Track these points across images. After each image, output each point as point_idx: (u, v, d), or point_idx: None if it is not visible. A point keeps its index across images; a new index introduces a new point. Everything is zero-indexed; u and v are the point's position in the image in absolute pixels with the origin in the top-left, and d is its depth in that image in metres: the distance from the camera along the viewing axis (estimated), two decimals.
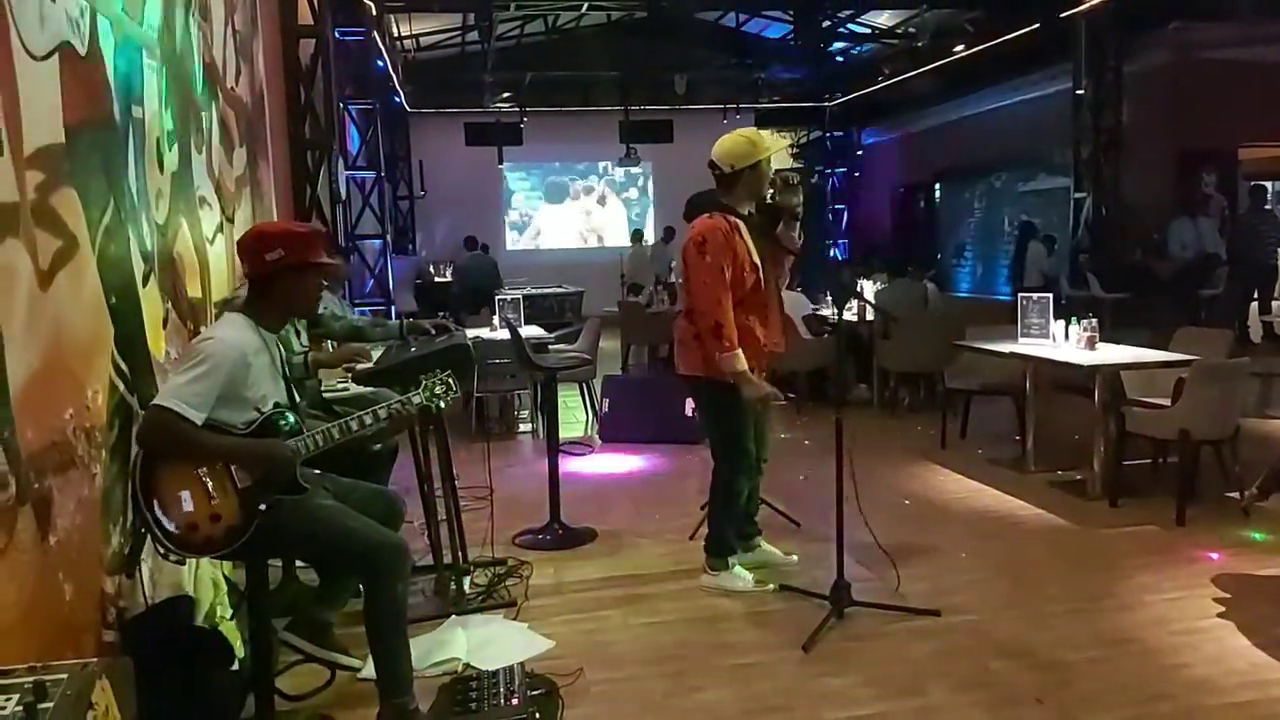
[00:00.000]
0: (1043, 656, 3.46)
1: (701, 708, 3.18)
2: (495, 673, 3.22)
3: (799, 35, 15.08)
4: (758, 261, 4.06)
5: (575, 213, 19.41)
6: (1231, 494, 5.06)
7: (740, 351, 3.92)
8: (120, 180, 3.12)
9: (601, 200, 19.46)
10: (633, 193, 19.43)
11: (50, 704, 1.38)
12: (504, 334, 7.04)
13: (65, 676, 1.45)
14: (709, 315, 3.92)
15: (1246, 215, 10.97)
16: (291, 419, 2.91)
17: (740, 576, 4.20)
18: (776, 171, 4.16)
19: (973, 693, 3.21)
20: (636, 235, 16.11)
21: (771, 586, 4.16)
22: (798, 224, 4.19)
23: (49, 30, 2.55)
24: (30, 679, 1.43)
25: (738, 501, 4.29)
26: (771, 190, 4.12)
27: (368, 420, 3.01)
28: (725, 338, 3.90)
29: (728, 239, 3.97)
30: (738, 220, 4.04)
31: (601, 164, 18.97)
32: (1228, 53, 11.38)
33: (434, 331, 4.24)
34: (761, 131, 4.10)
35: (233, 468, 2.74)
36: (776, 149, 4.19)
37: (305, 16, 8.42)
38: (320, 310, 4.06)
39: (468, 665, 3.40)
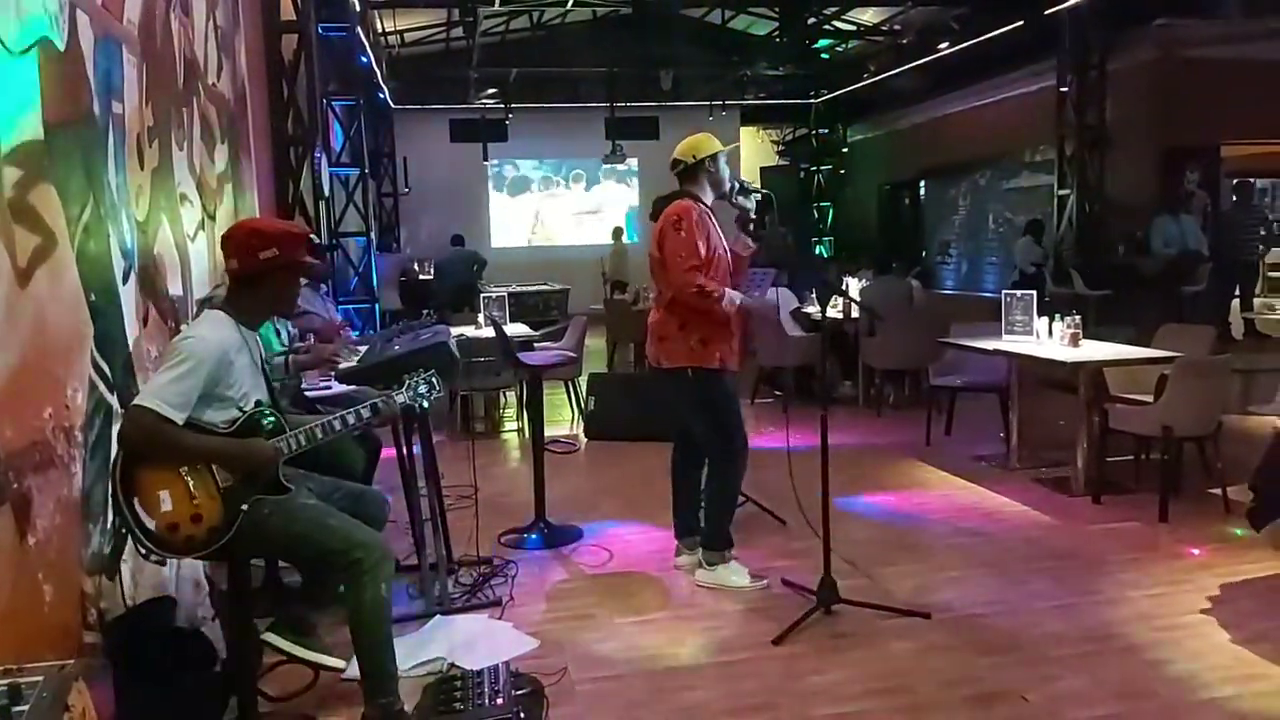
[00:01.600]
0: (1027, 653, 3.48)
1: (687, 706, 3.17)
2: (480, 672, 3.20)
3: (784, 32, 15.08)
4: (727, 248, 4.20)
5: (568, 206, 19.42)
6: (1214, 490, 5.09)
7: (729, 291, 4.05)
8: (100, 177, 3.09)
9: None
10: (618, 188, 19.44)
11: (25, 707, 1.36)
12: (489, 331, 7.02)
13: (41, 679, 1.43)
14: (689, 285, 3.99)
15: (1229, 212, 11.04)
16: (274, 418, 2.89)
17: (736, 572, 4.20)
18: (735, 178, 4.31)
19: (959, 689, 3.22)
20: (617, 233, 16.09)
21: (765, 582, 4.16)
22: (750, 229, 4.29)
23: (27, 25, 2.53)
24: (5, 681, 1.42)
25: (737, 491, 4.35)
26: (729, 195, 4.25)
27: (350, 419, 2.99)
28: (712, 291, 4.00)
29: (702, 219, 4.11)
30: (707, 208, 4.17)
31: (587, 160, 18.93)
32: (1211, 50, 11.43)
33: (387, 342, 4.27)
34: None
35: (214, 467, 2.72)
36: (729, 148, 4.39)
37: (288, 12, 8.37)
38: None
39: (452, 665, 3.38)
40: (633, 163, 18.28)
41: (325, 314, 5.20)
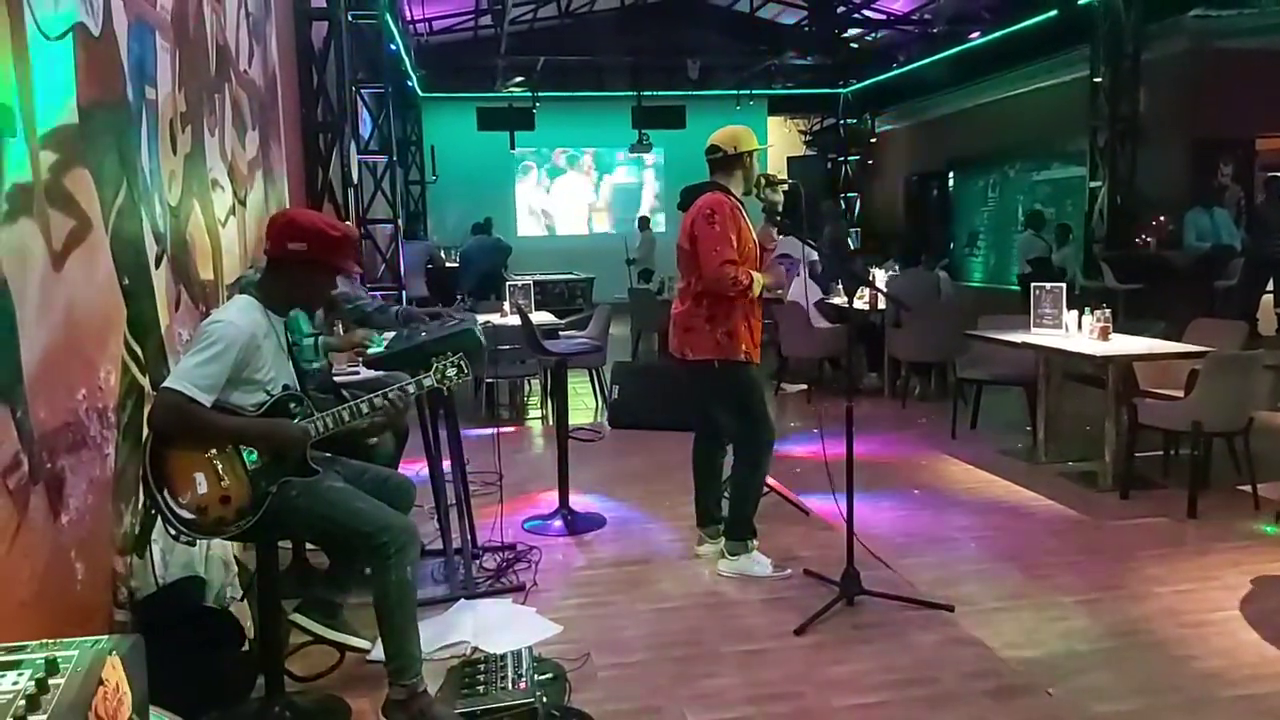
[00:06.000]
0: (1052, 647, 3.46)
1: (709, 693, 3.18)
2: (503, 656, 3.23)
3: (813, 21, 14.99)
4: (757, 242, 4.19)
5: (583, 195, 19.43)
6: (1244, 486, 5.03)
7: (754, 274, 4.06)
8: (133, 161, 3.13)
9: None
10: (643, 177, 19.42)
11: (61, 680, 1.38)
12: (514, 320, 7.04)
13: (76, 653, 1.46)
14: (725, 279, 3.99)
15: (1263, 206, 10.88)
16: (301, 401, 2.91)
17: (759, 561, 4.21)
18: (761, 174, 4.29)
19: (981, 682, 3.20)
20: (644, 222, 16.08)
21: (788, 572, 4.17)
22: (777, 221, 4.27)
23: (63, 10, 2.55)
24: (41, 655, 1.44)
25: (764, 481, 4.35)
26: (756, 189, 4.23)
27: (377, 402, 3.01)
28: (742, 281, 3.99)
29: (734, 211, 4.10)
30: (738, 202, 4.16)
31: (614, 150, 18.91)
32: (1246, 41, 11.27)
33: (427, 319, 4.25)
34: None
35: (243, 450, 2.75)
36: (765, 147, 4.35)
37: None
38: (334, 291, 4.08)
39: (476, 649, 3.40)
40: (658, 152, 18.21)
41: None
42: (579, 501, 5.07)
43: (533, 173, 19.17)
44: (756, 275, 4.08)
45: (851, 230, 19.21)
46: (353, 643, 3.23)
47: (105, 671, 1.43)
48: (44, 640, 1.51)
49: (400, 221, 10.96)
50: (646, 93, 16.81)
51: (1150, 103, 11.65)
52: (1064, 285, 6.11)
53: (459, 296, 5.03)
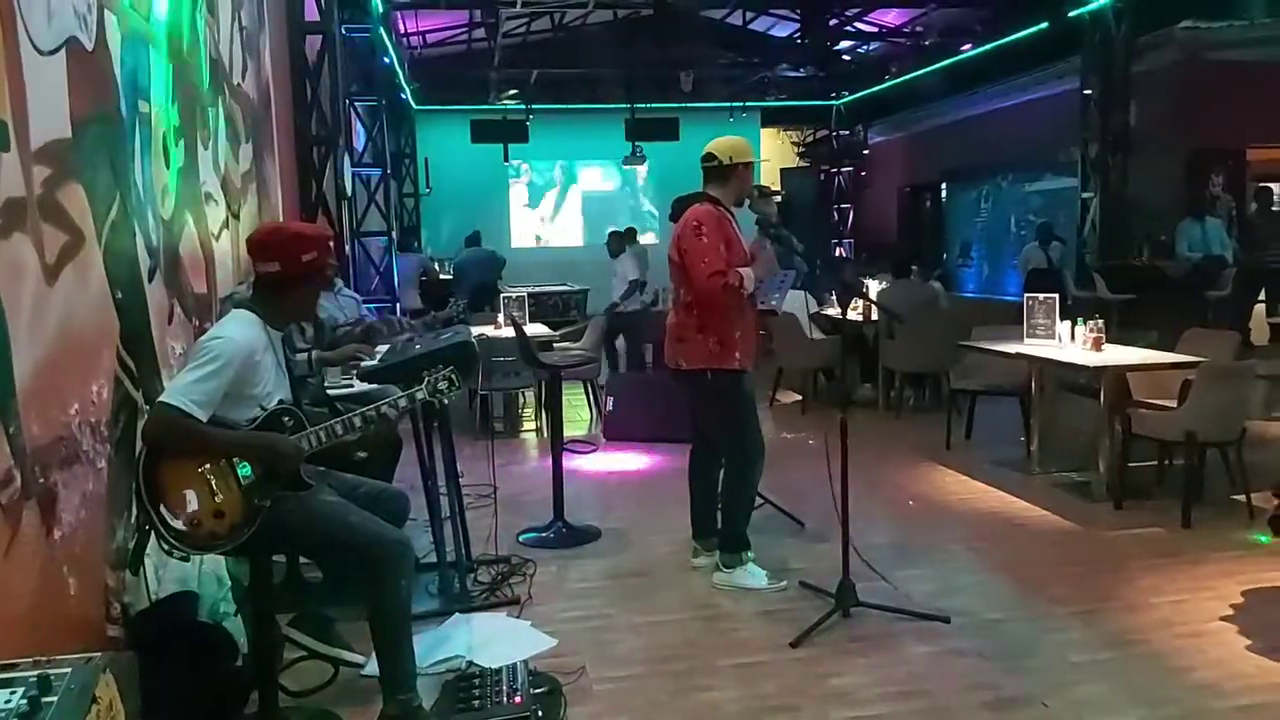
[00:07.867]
0: (1047, 658, 3.45)
1: (705, 706, 3.17)
2: (498, 670, 3.21)
3: (806, 33, 15.05)
4: (747, 250, 4.20)
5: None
6: (1238, 496, 5.04)
7: (743, 271, 4.05)
8: (127, 175, 3.13)
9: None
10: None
11: (54, 698, 1.38)
12: (509, 331, 7.04)
13: (69, 670, 1.45)
14: (715, 288, 3.98)
15: (1254, 217, 10.94)
16: (294, 416, 2.90)
17: (754, 574, 4.20)
18: (755, 185, 4.34)
19: (977, 694, 3.20)
20: (631, 234, 16.11)
21: (783, 584, 4.16)
22: (769, 234, 4.27)
23: (56, 25, 2.56)
24: (34, 673, 1.43)
25: (754, 493, 4.33)
26: (749, 200, 4.27)
27: (369, 415, 3.00)
28: (732, 282, 3.99)
29: (721, 223, 4.10)
30: (728, 212, 4.17)
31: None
32: (1236, 53, 11.33)
33: (384, 330, 4.27)
34: None
35: (235, 465, 2.73)
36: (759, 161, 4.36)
37: (312, 12, 8.43)
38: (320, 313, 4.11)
39: (471, 663, 3.39)
40: (651, 164, 18.22)
41: (342, 314, 5.21)
42: (574, 514, 5.05)
43: (526, 184, 19.17)
44: (745, 271, 4.08)
45: (845, 241, 19.31)
46: (347, 657, 3.22)
47: (98, 689, 1.43)
48: (37, 658, 1.51)
49: (394, 234, 10.96)
50: (640, 105, 16.85)
51: (1141, 114, 11.70)
52: (1057, 296, 6.12)
53: (451, 299, 4.96)
